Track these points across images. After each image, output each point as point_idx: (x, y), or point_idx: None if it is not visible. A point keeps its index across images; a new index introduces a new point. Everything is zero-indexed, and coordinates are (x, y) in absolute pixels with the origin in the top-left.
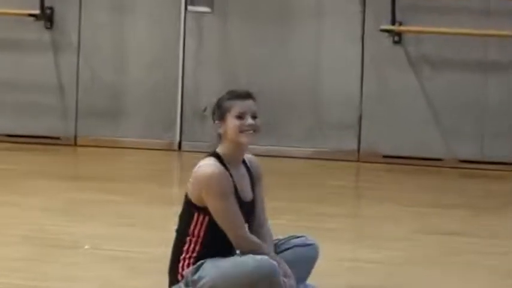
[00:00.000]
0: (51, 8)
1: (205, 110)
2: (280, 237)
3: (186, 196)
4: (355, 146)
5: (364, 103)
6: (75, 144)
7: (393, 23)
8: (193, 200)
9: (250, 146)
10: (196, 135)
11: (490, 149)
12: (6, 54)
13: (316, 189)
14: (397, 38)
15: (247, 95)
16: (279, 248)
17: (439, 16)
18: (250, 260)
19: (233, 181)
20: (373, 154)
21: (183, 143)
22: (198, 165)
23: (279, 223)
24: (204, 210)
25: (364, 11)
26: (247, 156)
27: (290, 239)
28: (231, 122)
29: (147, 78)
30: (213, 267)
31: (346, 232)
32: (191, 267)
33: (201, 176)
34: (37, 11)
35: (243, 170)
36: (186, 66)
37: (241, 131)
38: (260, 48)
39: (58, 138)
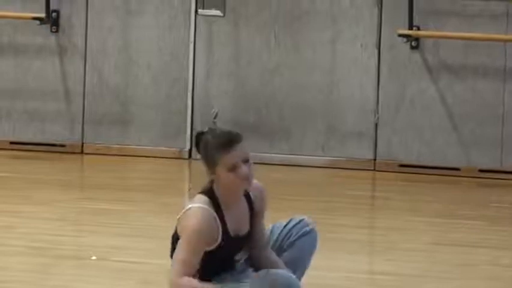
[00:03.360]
0: (56, 11)
1: (215, 117)
2: (278, 226)
3: (177, 230)
4: (371, 155)
5: (381, 111)
6: (82, 152)
7: (411, 27)
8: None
9: (266, 155)
10: None
11: (510, 158)
12: (10, 59)
13: (331, 199)
14: (415, 43)
15: (233, 141)
16: (283, 242)
17: (457, 21)
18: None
19: (224, 222)
20: (389, 163)
21: (194, 150)
22: (188, 206)
23: None
24: None
25: (380, 15)
26: (254, 186)
27: (290, 230)
28: (225, 176)
29: (156, 84)
30: None
31: (362, 243)
32: None
33: (185, 225)
34: (42, 14)
35: (242, 205)
36: (197, 72)
37: (238, 182)
38: (273, 54)
39: (64, 145)
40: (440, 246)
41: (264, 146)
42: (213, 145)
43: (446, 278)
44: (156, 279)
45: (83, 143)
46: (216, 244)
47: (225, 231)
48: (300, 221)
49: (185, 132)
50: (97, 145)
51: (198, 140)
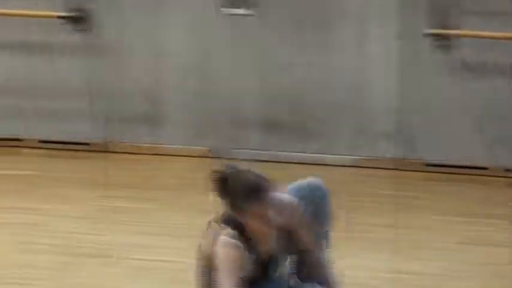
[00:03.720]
0: (81, 10)
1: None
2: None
3: (204, 260)
4: (396, 154)
5: (405, 110)
6: (109, 151)
7: (434, 27)
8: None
9: (292, 153)
10: (234, 142)
11: None
12: (34, 58)
13: (358, 198)
14: (439, 42)
15: (262, 190)
16: None
17: (481, 19)
18: None
19: (255, 252)
20: (414, 163)
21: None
22: (218, 238)
23: None
24: None
25: (405, 15)
26: (283, 203)
27: (306, 204)
28: (253, 224)
29: (183, 83)
30: None
31: (386, 242)
32: None
33: (216, 261)
34: (67, 13)
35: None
36: (225, 70)
37: (268, 231)
38: (302, 53)
39: (90, 144)
40: (466, 246)
41: (293, 145)
42: (241, 194)
43: (471, 277)
44: (181, 277)
45: (110, 142)
46: (250, 273)
47: (257, 259)
48: (312, 189)
49: (213, 132)
50: (124, 144)
51: (221, 184)
